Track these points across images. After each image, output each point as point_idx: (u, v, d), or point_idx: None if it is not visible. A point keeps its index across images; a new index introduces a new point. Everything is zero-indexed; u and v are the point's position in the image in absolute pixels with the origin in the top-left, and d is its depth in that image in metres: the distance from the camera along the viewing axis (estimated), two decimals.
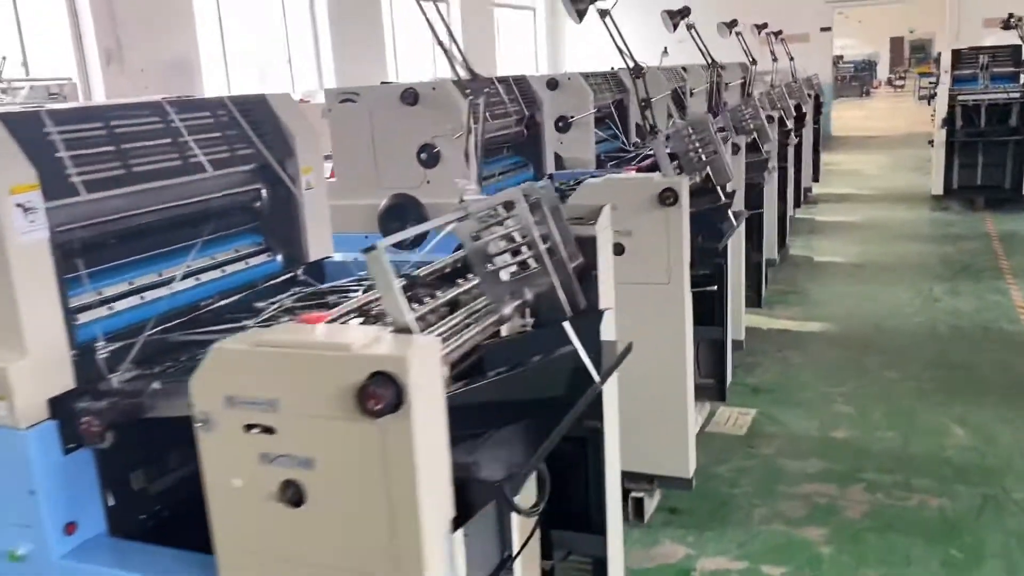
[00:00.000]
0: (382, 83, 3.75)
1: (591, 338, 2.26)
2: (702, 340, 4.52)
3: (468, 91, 2.89)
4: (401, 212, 3.53)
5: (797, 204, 9.62)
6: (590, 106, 5.19)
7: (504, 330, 2.09)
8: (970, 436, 4.27)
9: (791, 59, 10.87)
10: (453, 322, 1.79)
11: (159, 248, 2.19)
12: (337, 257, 2.73)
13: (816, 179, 11.47)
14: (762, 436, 4.38)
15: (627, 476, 3.60)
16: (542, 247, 1.93)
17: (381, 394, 1.37)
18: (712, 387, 4.52)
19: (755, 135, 5.51)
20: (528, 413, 1.87)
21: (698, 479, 3.85)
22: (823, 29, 18.35)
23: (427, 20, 2.65)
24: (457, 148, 3.55)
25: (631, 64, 4.40)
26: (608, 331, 2.47)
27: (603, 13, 4.26)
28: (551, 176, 4.31)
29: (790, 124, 7.51)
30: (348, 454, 1.45)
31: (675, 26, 6.45)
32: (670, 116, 6.01)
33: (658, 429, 3.52)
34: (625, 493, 3.61)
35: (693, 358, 4.35)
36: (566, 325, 2.00)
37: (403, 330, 1.53)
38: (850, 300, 6.76)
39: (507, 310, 1.91)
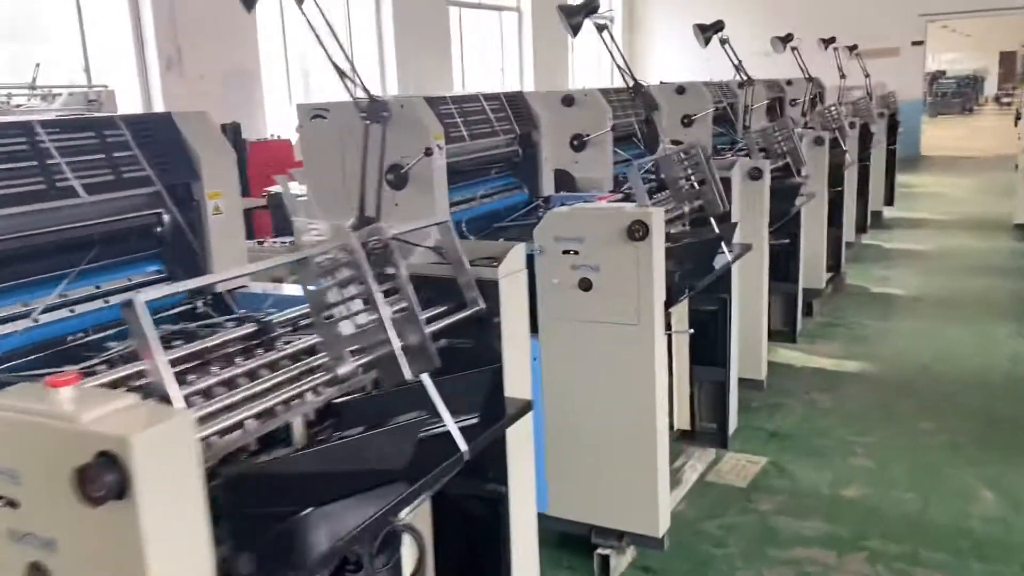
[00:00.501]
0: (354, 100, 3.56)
1: (481, 394, 2.02)
2: (704, 381, 4.19)
3: (364, 115, 2.66)
4: None
5: (863, 229, 9.15)
6: (607, 124, 4.92)
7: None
8: (999, 503, 3.82)
9: (867, 75, 10.29)
10: (257, 388, 1.57)
11: (26, 276, 2.06)
12: (256, 288, 2.56)
13: (890, 203, 10.80)
14: (765, 489, 4.02)
15: (595, 531, 3.34)
16: (379, 300, 1.69)
17: (101, 478, 1.19)
18: (713, 433, 4.18)
19: (787, 159, 5.12)
20: (365, 484, 1.65)
21: (683, 535, 3.54)
22: (915, 43, 17.63)
23: (313, 35, 2.44)
24: (423, 169, 3.36)
25: (631, 82, 4.11)
26: (518, 386, 2.22)
27: (600, 28, 4.00)
28: (547, 199, 4.07)
29: (846, 145, 7.04)
30: (86, 540, 1.30)
31: (707, 41, 6.10)
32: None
33: (627, 482, 3.23)
34: (592, 548, 3.34)
35: (689, 401, 4.05)
36: (427, 383, 1.77)
37: (164, 399, 1.33)
38: (900, 337, 6.25)
39: (344, 369, 1.68)
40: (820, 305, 6.79)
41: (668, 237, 3.29)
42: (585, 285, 3.10)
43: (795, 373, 5.53)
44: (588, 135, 4.88)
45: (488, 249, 2.21)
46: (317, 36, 2.33)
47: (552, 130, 4.32)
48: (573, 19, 3.92)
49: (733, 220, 3.82)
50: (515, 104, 4.04)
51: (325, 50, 2.33)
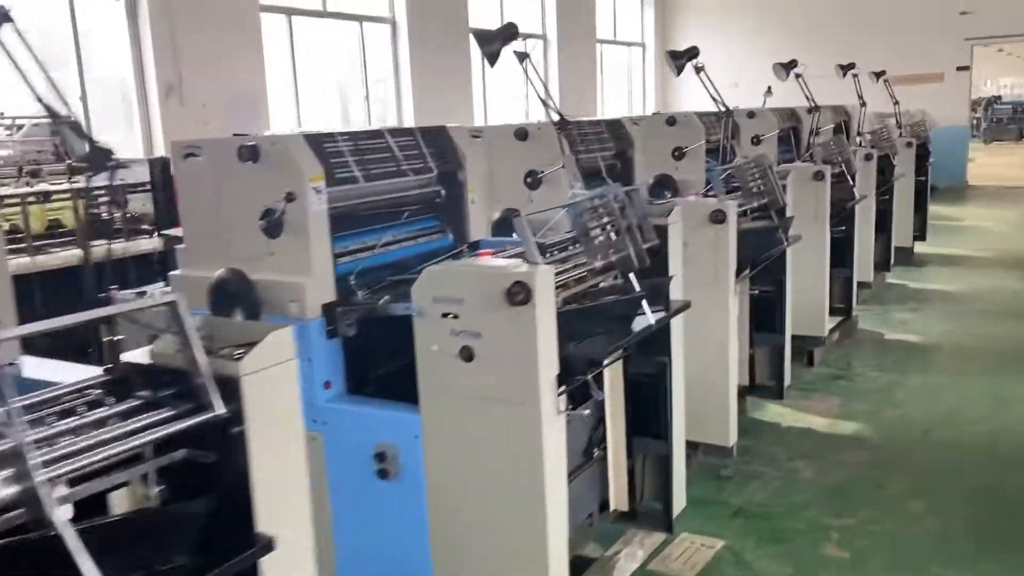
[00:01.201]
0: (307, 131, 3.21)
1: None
2: (647, 455, 3.68)
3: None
4: (228, 292, 2.92)
5: (885, 268, 8.56)
6: (559, 161, 4.46)
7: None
8: None
9: (895, 103, 9.70)
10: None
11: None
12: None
13: (921, 237, 10.01)
14: None
15: None
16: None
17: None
18: (655, 514, 3.65)
19: (765, 198, 4.59)
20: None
21: None
22: (960, 68, 16.83)
23: None
24: (299, 215, 2.94)
25: (556, 117, 3.67)
26: (277, 517, 1.76)
27: (521, 57, 3.56)
28: (473, 245, 3.60)
29: (856, 179, 6.45)
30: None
31: (680, 70, 5.64)
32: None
33: None
34: None
35: (628, 478, 3.56)
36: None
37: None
38: (905, 394, 5.62)
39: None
40: (823, 354, 6.21)
41: (575, 298, 2.82)
42: (466, 355, 2.63)
43: (780, 435, 4.96)
44: (542, 172, 4.44)
45: (254, 333, 1.76)
46: None
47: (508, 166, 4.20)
48: (488, 47, 3.50)
49: (669, 275, 3.33)
50: (439, 141, 3.61)
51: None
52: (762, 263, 4.68)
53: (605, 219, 2.88)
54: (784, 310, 5.12)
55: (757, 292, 4.89)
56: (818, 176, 5.89)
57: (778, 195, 4.66)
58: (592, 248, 2.88)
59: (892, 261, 8.68)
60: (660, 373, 3.46)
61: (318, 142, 3.03)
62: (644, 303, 2.93)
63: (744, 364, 5.15)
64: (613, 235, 2.89)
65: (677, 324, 3.46)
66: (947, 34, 16.36)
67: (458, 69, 13.31)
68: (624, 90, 18.86)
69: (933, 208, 13.80)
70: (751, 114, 7.10)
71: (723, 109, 5.66)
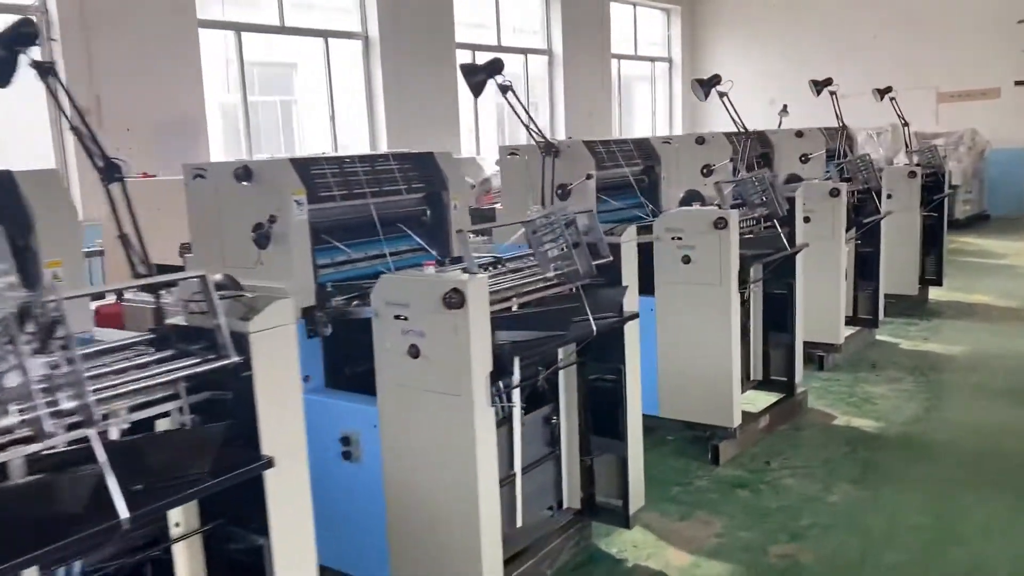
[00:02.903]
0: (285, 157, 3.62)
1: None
2: (606, 455, 3.98)
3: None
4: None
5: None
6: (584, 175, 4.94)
7: None
8: None
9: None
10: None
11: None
12: None
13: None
14: None
15: None
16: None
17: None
18: (615, 510, 3.94)
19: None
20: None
21: None
22: (1018, 83, 15.00)
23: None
24: (287, 228, 3.37)
25: (541, 140, 4.03)
26: (278, 442, 2.35)
27: (504, 89, 3.94)
28: (456, 259, 3.97)
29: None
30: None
31: (706, 95, 6.03)
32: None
33: (455, 563, 3.09)
34: None
35: (588, 476, 3.87)
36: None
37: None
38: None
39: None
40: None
41: (530, 304, 3.21)
42: (413, 352, 3.02)
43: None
44: (571, 184, 4.86)
45: (262, 303, 2.30)
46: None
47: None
48: (473, 79, 3.89)
49: (623, 286, 3.65)
50: (424, 166, 4.00)
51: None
52: (767, 265, 5.27)
53: (559, 236, 3.23)
54: (795, 312, 5.45)
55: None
56: (834, 193, 6.23)
57: (777, 207, 5.05)
58: (544, 260, 3.24)
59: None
60: (616, 378, 3.76)
61: (303, 165, 3.47)
62: (588, 312, 3.26)
63: (758, 359, 5.67)
64: (565, 249, 3.24)
65: (632, 332, 3.77)
66: (1003, 45, 14.78)
67: (440, 93, 12.13)
68: (647, 108, 17.86)
69: (976, 243, 12.71)
70: (799, 133, 7.48)
71: (742, 131, 6.04)
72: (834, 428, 5.40)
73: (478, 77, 3.89)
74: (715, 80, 5.95)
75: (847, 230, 6.42)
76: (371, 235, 3.76)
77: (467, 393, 2.93)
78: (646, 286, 4.35)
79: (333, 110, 11.37)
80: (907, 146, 9.10)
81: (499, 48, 13.73)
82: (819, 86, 7.64)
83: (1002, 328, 7.82)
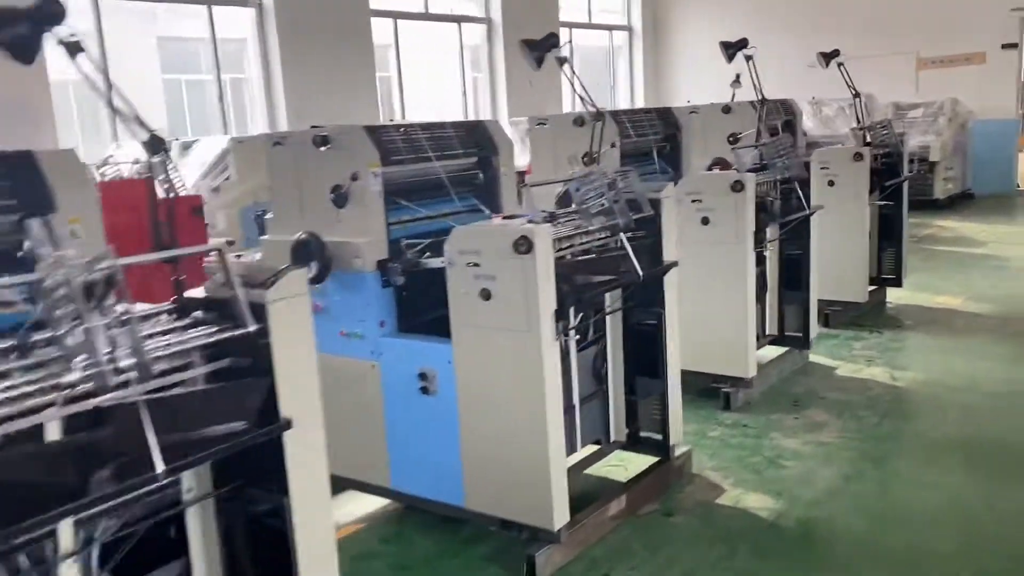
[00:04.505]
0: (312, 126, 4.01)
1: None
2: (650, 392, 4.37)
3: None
4: (306, 250, 3.76)
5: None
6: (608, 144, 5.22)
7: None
8: None
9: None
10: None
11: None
12: None
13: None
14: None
15: (503, 523, 3.61)
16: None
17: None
18: (656, 443, 4.34)
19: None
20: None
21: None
22: (1006, 46, 13.78)
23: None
24: (363, 189, 3.75)
25: (593, 109, 4.39)
26: (296, 403, 2.44)
27: (561, 61, 4.30)
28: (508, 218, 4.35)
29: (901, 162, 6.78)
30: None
31: (731, 57, 6.30)
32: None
33: (526, 479, 3.49)
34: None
35: (631, 409, 4.25)
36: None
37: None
38: None
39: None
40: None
41: (581, 252, 3.60)
42: (485, 295, 3.41)
43: None
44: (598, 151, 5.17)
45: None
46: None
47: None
48: (534, 54, 4.26)
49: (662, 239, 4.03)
50: (474, 133, 4.38)
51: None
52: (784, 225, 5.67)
53: (602, 194, 3.62)
54: (809, 271, 5.83)
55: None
56: (857, 157, 6.59)
57: (797, 170, 5.54)
58: (587, 214, 3.62)
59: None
60: (657, 322, 4.15)
61: (376, 132, 3.85)
62: (635, 263, 3.65)
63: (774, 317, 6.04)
64: (607, 204, 3.62)
65: (671, 280, 4.15)
66: (989, 4, 13.52)
67: (358, 65, 11.60)
68: (605, 81, 16.80)
69: (956, 227, 11.37)
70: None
71: (760, 98, 6.33)
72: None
73: (538, 52, 4.25)
74: (742, 43, 6.18)
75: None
76: (431, 196, 4.15)
77: (535, 329, 3.32)
78: None
79: (221, 89, 10.82)
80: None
81: (427, 16, 13.23)
82: (827, 58, 7.79)
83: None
